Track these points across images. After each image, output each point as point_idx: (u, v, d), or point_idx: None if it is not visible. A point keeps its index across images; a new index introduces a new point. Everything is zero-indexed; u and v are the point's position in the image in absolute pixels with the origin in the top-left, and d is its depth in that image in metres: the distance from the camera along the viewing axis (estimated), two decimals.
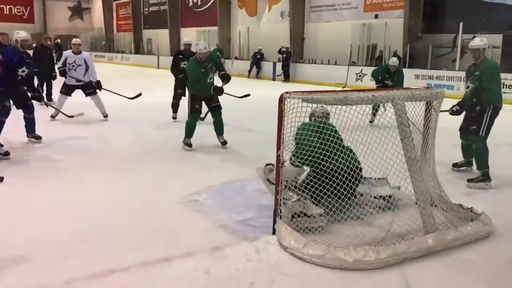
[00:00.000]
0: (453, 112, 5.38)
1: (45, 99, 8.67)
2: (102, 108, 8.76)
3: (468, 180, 5.09)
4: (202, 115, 7.45)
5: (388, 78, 9.12)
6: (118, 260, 3.22)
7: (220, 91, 6.47)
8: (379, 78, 9.25)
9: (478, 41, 5.20)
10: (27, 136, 6.75)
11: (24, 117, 6.58)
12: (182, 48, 9.66)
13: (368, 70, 17.16)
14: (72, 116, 8.30)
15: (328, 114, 4.20)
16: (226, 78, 6.54)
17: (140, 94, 9.26)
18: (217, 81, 6.55)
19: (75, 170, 5.50)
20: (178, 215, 4.12)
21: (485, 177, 5.01)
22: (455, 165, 5.66)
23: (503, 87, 10.60)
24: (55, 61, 11.43)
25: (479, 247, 3.54)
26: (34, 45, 11.58)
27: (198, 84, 6.37)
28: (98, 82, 8.48)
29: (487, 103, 5.06)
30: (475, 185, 5.01)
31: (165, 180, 5.15)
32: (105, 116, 8.77)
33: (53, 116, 8.46)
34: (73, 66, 8.34)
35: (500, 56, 14.68)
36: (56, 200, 4.47)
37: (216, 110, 6.65)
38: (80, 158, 6.02)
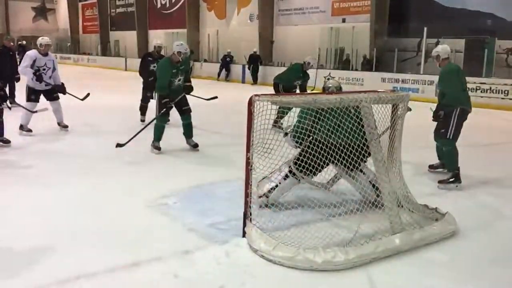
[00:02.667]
0: (434, 119, 5.46)
1: (8, 101, 8.16)
2: (61, 116, 7.90)
3: (439, 181, 5.19)
4: None
5: (300, 78, 8.58)
6: (85, 265, 3.15)
7: (190, 89, 6.53)
8: (293, 78, 8.55)
9: (435, 48, 5.45)
10: None
11: None
12: (150, 50, 9.56)
13: (336, 73, 17.44)
14: (35, 112, 7.39)
15: (340, 88, 4.55)
16: (188, 89, 6.57)
17: (88, 94, 8.34)
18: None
19: (42, 174, 5.37)
20: (147, 219, 4.07)
21: (455, 178, 5.13)
22: (431, 166, 5.79)
23: None
24: (18, 63, 11.10)
25: (444, 246, 3.62)
26: None
27: (165, 85, 6.30)
28: (62, 85, 7.75)
29: (449, 106, 5.20)
30: (446, 186, 5.12)
31: (134, 184, 5.08)
32: (65, 126, 7.92)
33: (28, 130, 7.53)
34: (44, 69, 7.42)
35: (463, 60, 15.14)
36: (22, 205, 4.35)
37: (185, 113, 6.62)
38: (48, 162, 5.89)
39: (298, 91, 8.63)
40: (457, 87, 5.27)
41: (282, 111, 6.66)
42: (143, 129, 6.55)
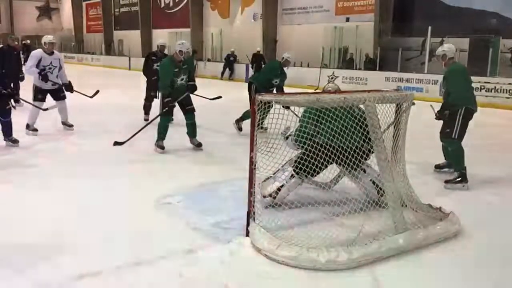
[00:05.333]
0: (437, 117, 5.44)
1: (12, 101, 8.16)
2: (66, 115, 7.92)
3: (446, 181, 5.17)
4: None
5: (279, 76, 8.00)
6: (90, 264, 3.16)
7: (193, 88, 6.52)
8: (271, 77, 7.97)
9: (441, 48, 5.45)
10: (4, 140, 6.57)
11: (0, 121, 6.42)
12: (154, 49, 9.58)
13: (340, 73, 17.42)
14: (46, 109, 7.45)
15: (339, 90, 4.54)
16: (191, 88, 6.55)
17: (97, 91, 8.51)
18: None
19: (47, 173, 5.40)
20: (151, 218, 4.08)
21: (462, 178, 5.11)
22: (437, 166, 5.77)
23: None
24: (22, 62, 11.13)
25: (448, 246, 3.61)
26: (1, 46, 11.26)
27: (167, 84, 6.30)
28: (70, 84, 7.76)
29: (454, 106, 5.19)
30: (452, 186, 5.10)
31: (138, 183, 5.08)
32: (70, 125, 7.92)
33: (33, 129, 7.51)
34: (50, 68, 7.38)
35: (467, 59, 15.09)
36: (27, 204, 4.38)
37: (189, 113, 6.62)
38: (53, 162, 5.91)
39: (274, 91, 8.11)
40: (463, 87, 5.26)
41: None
42: (142, 128, 6.56)
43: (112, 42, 34.95)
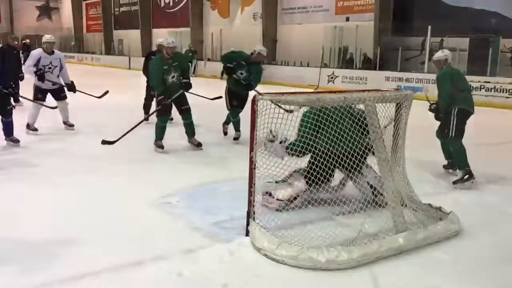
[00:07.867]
0: (431, 112, 5.55)
1: (12, 100, 8.14)
2: (67, 115, 7.92)
3: (454, 182, 5.19)
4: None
5: (243, 67, 6.96)
6: (90, 264, 3.17)
7: (188, 86, 6.50)
8: (233, 62, 7.01)
9: (441, 53, 5.58)
10: (5, 139, 6.58)
11: (2, 121, 6.44)
12: (154, 49, 9.58)
13: (340, 72, 17.41)
14: (55, 107, 7.51)
15: None
16: (186, 86, 6.52)
17: (107, 92, 8.61)
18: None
19: (48, 173, 5.39)
20: (150, 218, 4.08)
21: (469, 175, 5.13)
22: (445, 166, 5.78)
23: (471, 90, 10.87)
24: (22, 61, 11.12)
25: (448, 246, 3.62)
26: (0, 45, 11.26)
27: (159, 82, 6.29)
28: (72, 84, 7.73)
29: (447, 108, 5.27)
30: (462, 185, 5.11)
31: (137, 183, 5.09)
32: (71, 125, 7.94)
33: (34, 129, 7.54)
34: (49, 68, 7.35)
35: (467, 59, 15.07)
36: (26, 204, 4.38)
37: (185, 113, 6.62)
38: (53, 161, 5.91)
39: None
40: (450, 89, 5.30)
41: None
42: (133, 128, 6.51)
43: (112, 41, 34.92)
